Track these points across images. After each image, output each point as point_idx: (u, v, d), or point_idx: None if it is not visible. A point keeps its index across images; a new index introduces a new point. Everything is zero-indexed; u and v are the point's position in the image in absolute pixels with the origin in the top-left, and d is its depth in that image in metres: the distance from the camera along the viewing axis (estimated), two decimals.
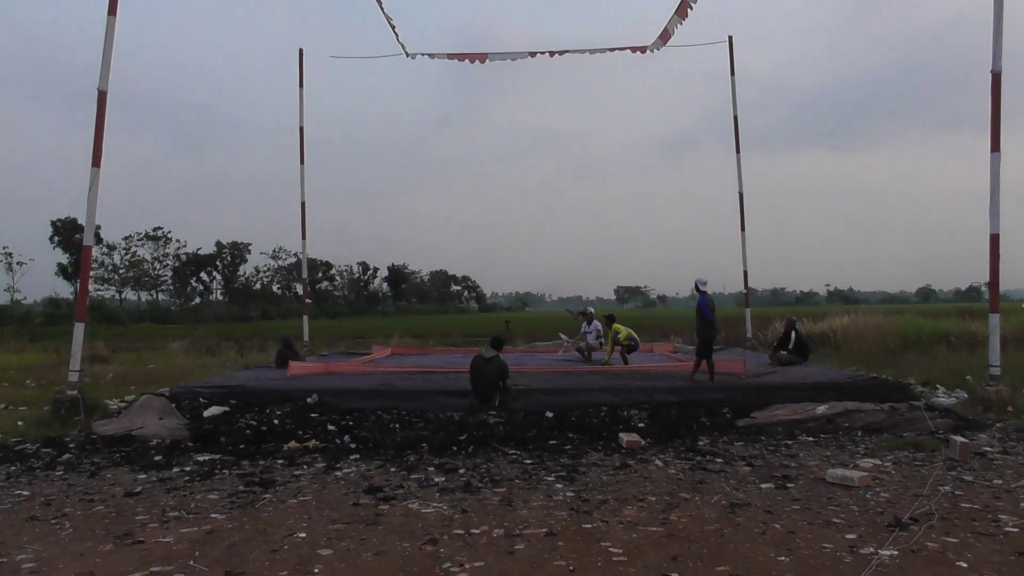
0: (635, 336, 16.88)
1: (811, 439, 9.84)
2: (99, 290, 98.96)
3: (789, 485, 7.41)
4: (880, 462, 8.38)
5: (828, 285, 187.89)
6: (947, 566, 5.07)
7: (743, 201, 21.52)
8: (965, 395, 12.78)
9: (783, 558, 5.26)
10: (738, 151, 21.57)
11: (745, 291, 22.44)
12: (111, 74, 12.04)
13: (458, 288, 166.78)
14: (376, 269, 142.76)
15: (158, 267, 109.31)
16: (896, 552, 5.35)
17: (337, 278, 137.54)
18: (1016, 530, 5.87)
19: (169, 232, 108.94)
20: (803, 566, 5.09)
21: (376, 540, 5.77)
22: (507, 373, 11.32)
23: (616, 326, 16.77)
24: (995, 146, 11.92)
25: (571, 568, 5.08)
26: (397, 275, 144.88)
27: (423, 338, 35.81)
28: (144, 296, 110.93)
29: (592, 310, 18.53)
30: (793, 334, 16.26)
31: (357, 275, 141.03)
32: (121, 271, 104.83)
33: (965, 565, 5.08)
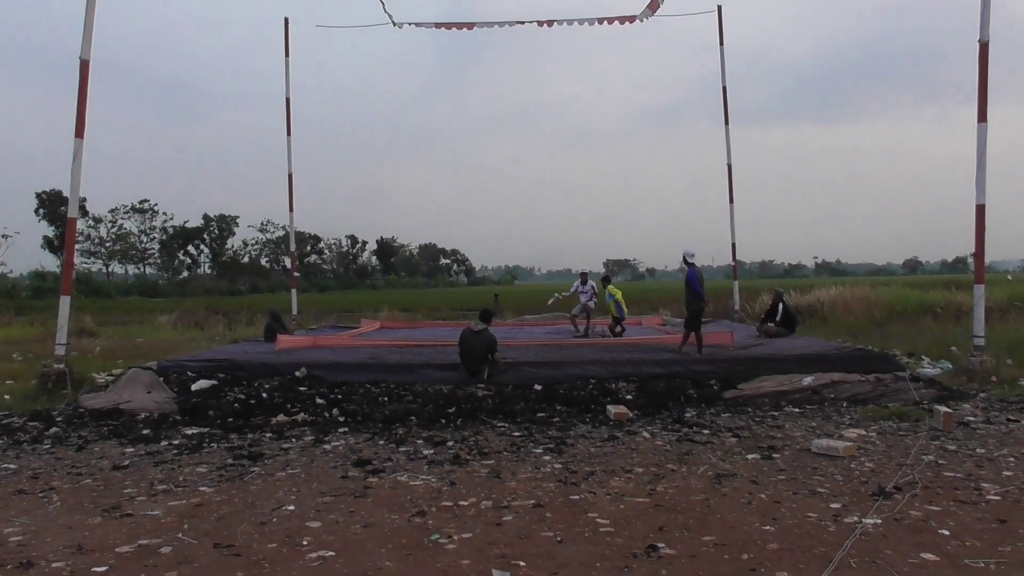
0: (623, 307, 16.98)
1: (797, 410, 9.91)
2: (86, 263, 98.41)
3: (775, 455, 7.47)
4: (865, 432, 8.46)
5: (816, 257, 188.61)
6: (930, 534, 5.13)
7: (731, 173, 21.52)
8: (950, 365, 12.91)
9: (768, 527, 5.31)
10: (727, 122, 21.55)
11: (733, 263, 22.49)
12: (93, 43, 11.88)
13: (447, 261, 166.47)
14: (365, 242, 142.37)
15: (145, 240, 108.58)
16: (879, 521, 5.41)
17: (326, 251, 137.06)
18: (998, 498, 5.95)
19: (156, 205, 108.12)
20: (788, 535, 5.14)
21: (365, 512, 5.79)
22: (496, 346, 11.33)
23: (612, 288, 16.82)
24: (982, 116, 11.93)
25: (558, 539, 5.12)
26: (386, 248, 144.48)
27: (412, 312, 35.79)
28: (131, 269, 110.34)
29: (587, 270, 18.38)
30: (780, 306, 16.34)
31: (346, 248, 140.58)
32: (108, 244, 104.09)
33: (947, 533, 5.14)
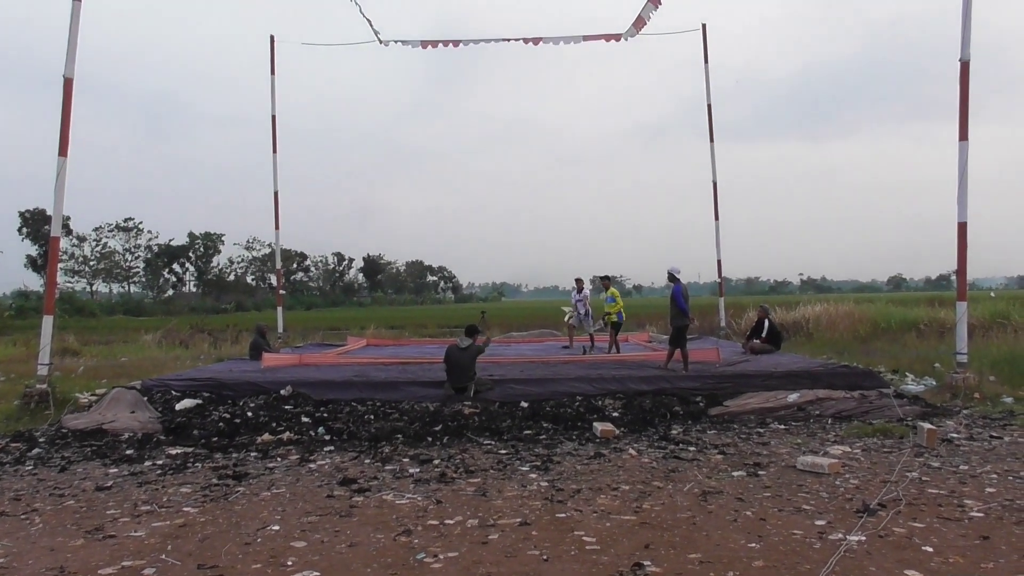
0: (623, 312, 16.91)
1: (782, 427, 9.96)
2: (69, 282, 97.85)
3: (760, 472, 7.49)
4: (849, 449, 8.51)
5: (801, 274, 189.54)
6: (913, 551, 5.16)
7: (717, 190, 21.67)
8: (933, 382, 12.99)
9: (754, 544, 5.32)
10: (712, 140, 21.71)
11: (719, 280, 22.61)
12: (77, 60, 11.88)
13: (434, 279, 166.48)
14: (351, 260, 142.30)
15: (129, 259, 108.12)
16: (864, 537, 5.44)
17: (312, 269, 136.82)
18: (981, 515, 5.98)
19: (140, 223, 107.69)
20: (773, 552, 5.16)
21: (350, 532, 5.77)
22: (482, 350, 11.55)
23: (614, 290, 16.60)
24: (963, 135, 12.07)
25: (544, 557, 5.11)
26: (372, 266, 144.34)
27: (399, 329, 35.74)
28: (116, 288, 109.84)
29: (580, 277, 18.28)
30: (766, 322, 16.42)
31: (332, 266, 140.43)
32: (92, 263, 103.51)
33: (931, 549, 5.17)
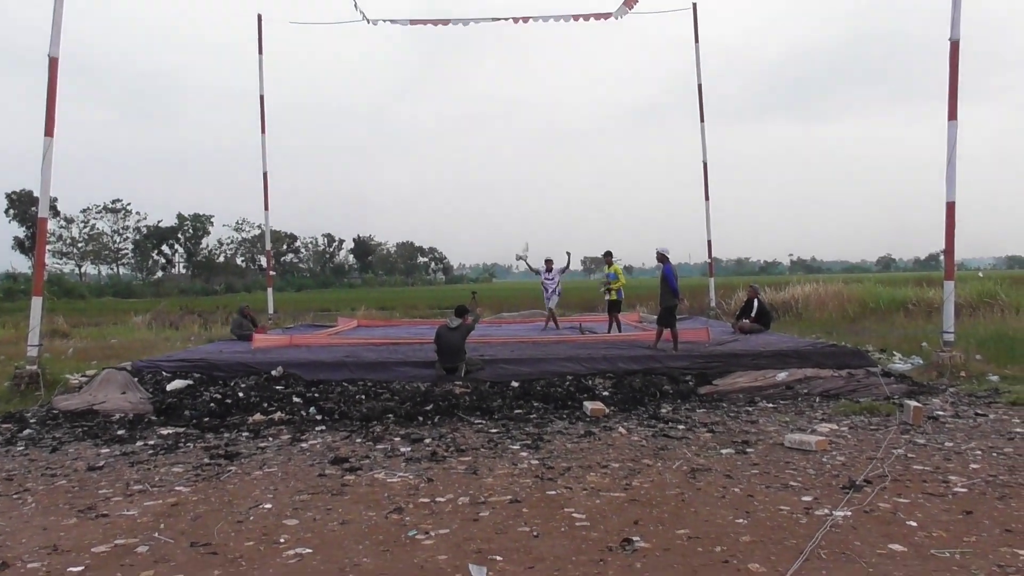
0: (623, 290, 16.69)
1: (771, 405, 10.04)
2: (57, 264, 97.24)
3: (749, 450, 7.57)
4: (837, 427, 8.60)
5: (791, 255, 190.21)
6: (898, 525, 5.24)
7: (707, 170, 21.67)
8: (921, 361, 13.10)
9: (741, 520, 5.40)
10: (702, 120, 21.70)
11: (709, 260, 22.69)
12: (62, 40, 11.78)
13: (425, 260, 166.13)
14: (342, 241, 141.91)
15: (118, 240, 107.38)
16: (850, 513, 5.52)
17: (302, 250, 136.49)
18: (964, 490, 6.08)
19: (128, 204, 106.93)
20: (760, 527, 5.23)
21: (342, 510, 5.82)
22: (473, 326, 11.70)
23: (617, 267, 16.38)
24: (952, 114, 12.10)
25: (535, 533, 5.18)
26: (363, 247, 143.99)
27: (389, 310, 35.74)
28: (104, 270, 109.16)
29: (551, 259, 17.43)
30: (756, 302, 16.49)
31: (322, 247, 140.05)
32: (80, 245, 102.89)
33: (915, 524, 5.26)
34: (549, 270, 17.27)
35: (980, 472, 6.62)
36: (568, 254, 17.50)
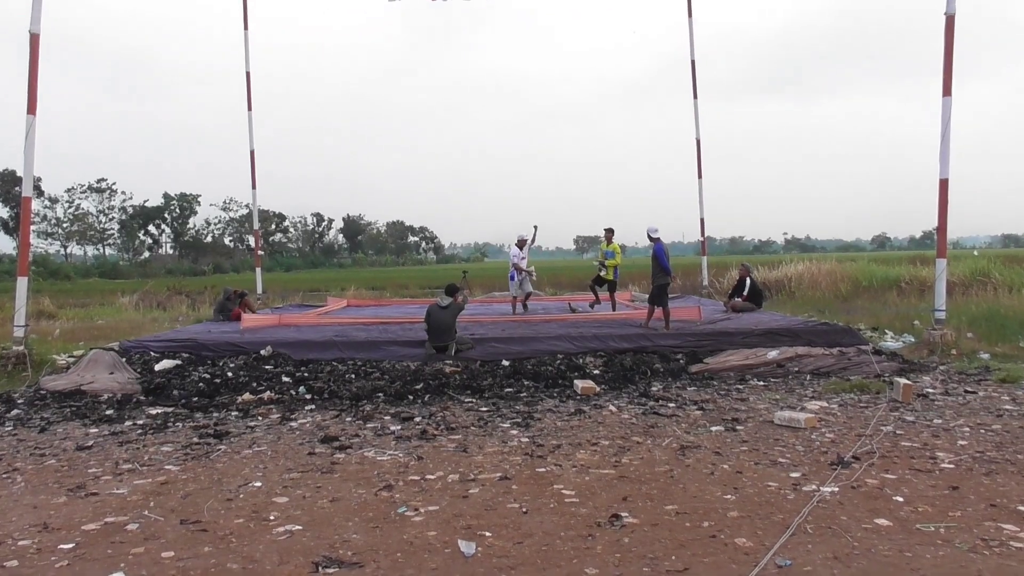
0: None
1: (762, 383, 10.15)
2: (43, 245, 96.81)
3: (738, 427, 7.67)
4: (827, 404, 8.71)
5: (786, 233, 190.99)
6: (884, 501, 5.34)
7: (700, 148, 21.66)
8: (912, 339, 13.23)
9: (729, 496, 5.49)
10: (695, 96, 21.64)
11: (702, 239, 22.76)
12: (44, 15, 11.70)
13: (415, 239, 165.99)
14: (331, 220, 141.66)
15: (104, 220, 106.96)
16: (837, 489, 5.62)
17: (291, 230, 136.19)
18: (951, 466, 6.18)
19: (114, 184, 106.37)
20: (748, 503, 5.32)
21: (332, 487, 5.89)
22: (463, 306, 11.81)
23: (616, 245, 16.03)
24: (947, 90, 12.15)
25: (524, 510, 5.26)
26: (353, 226, 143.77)
27: (380, 290, 35.76)
28: (90, 251, 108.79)
29: (524, 236, 16.12)
30: (748, 281, 16.58)
31: (311, 226, 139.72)
32: (65, 225, 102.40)
33: (901, 499, 5.36)
34: (521, 247, 16.01)
35: (968, 448, 6.72)
36: (535, 227, 16.60)
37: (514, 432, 7.63)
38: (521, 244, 16.05)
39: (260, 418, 8.55)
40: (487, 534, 4.81)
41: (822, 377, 10.46)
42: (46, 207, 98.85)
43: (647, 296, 14.07)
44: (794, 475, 6.01)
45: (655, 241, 12.90)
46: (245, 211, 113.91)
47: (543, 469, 6.29)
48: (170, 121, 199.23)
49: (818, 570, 4.19)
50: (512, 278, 16.08)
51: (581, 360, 11.06)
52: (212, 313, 17.09)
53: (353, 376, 10.39)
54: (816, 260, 28.42)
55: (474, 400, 9.29)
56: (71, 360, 11.68)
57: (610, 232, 16.16)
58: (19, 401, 9.57)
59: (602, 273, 16.15)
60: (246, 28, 21.03)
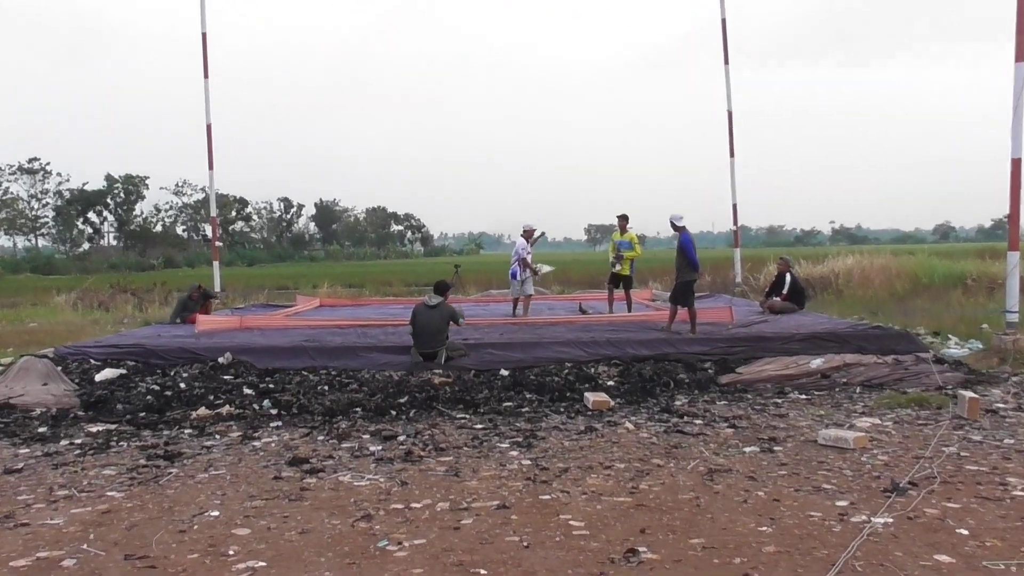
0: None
1: (803, 397, 10.16)
2: None
3: (776, 448, 7.68)
4: (879, 421, 8.71)
5: (832, 222, 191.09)
6: (946, 533, 5.35)
7: (732, 122, 21.69)
8: (979, 345, 13.21)
9: (765, 528, 5.50)
10: (727, 62, 21.70)
11: (734, 228, 22.78)
12: None
13: (399, 228, 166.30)
14: (301, 206, 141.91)
15: (36, 207, 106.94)
16: (891, 519, 5.62)
17: (254, 217, 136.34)
18: None
19: (48, 164, 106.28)
20: (787, 536, 5.33)
21: (301, 517, 5.90)
22: (457, 316, 11.54)
23: (633, 234, 16.01)
24: (1020, 55, 12.10)
25: (525, 544, 5.26)
26: (326, 213, 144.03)
27: (358, 288, 35.79)
28: (20, 242, 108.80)
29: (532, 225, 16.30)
30: (788, 277, 16.56)
31: (278, 213, 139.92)
32: None
33: (966, 532, 5.36)
34: (528, 238, 16.09)
35: None
36: (542, 232, 16.72)
37: (514, 453, 7.64)
38: (528, 235, 16.04)
39: (218, 436, 8.56)
40: (482, 572, 4.82)
41: (874, 390, 10.46)
42: None
43: (669, 295, 14.09)
44: (841, 504, 6.01)
45: (680, 231, 12.90)
46: (201, 195, 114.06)
47: (548, 496, 6.30)
48: (114, 92, 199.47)
49: None
50: (515, 276, 15.94)
51: (593, 369, 11.08)
52: (171, 317, 17.02)
53: (326, 388, 10.41)
54: (868, 253, 28.41)
55: (467, 416, 9.30)
56: None
57: (624, 219, 16.11)
58: None
59: (617, 268, 16.04)
60: None
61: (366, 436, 8.42)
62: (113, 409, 9.75)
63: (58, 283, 42.40)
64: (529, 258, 15.83)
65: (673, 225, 13.00)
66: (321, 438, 8.40)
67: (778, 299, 16.31)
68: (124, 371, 11.08)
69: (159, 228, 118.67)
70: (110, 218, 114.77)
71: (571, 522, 5.68)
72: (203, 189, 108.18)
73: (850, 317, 15.92)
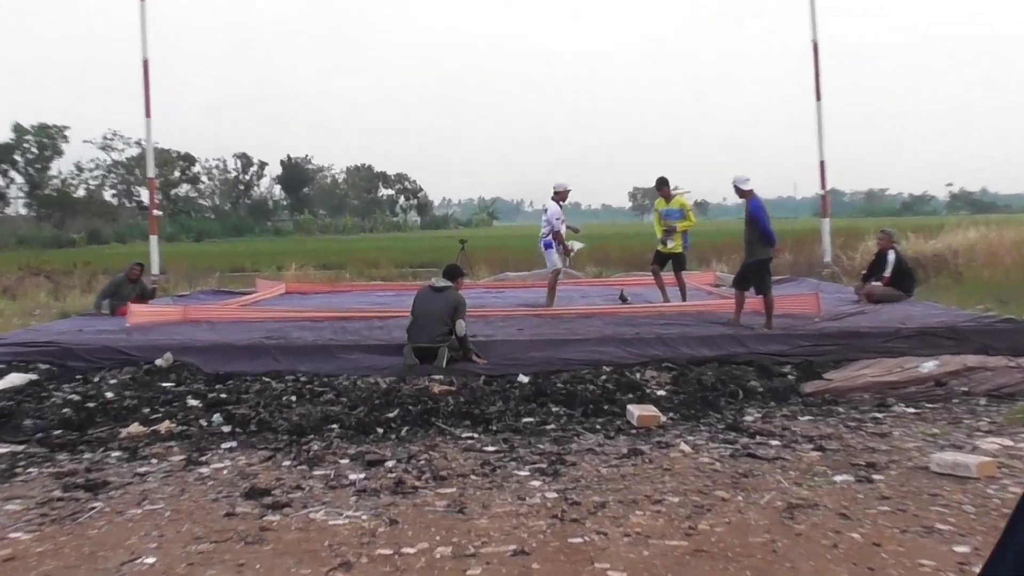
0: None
1: (912, 410, 10.09)
2: None
3: (876, 477, 7.63)
4: (1011, 442, 8.64)
5: (950, 185, 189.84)
6: None
7: (818, 57, 21.46)
8: None
9: None
10: None
11: (822, 193, 22.59)
12: None
13: (390, 192, 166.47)
14: (263, 164, 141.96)
15: None
16: None
17: (204, 179, 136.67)
18: None
19: None
20: None
21: (260, 565, 5.90)
22: (463, 309, 11.39)
23: (682, 199, 15.93)
24: None
25: None
26: (295, 173, 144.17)
27: (336, 269, 35.83)
28: None
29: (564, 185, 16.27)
30: (891, 256, 16.47)
31: (234, 173, 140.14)
32: None
33: None
34: (561, 203, 16.05)
35: None
36: (576, 230, 16.83)
37: (536, 483, 7.62)
38: (562, 197, 15.96)
39: (154, 461, 8.58)
40: None
41: (1003, 401, 10.39)
42: None
43: (734, 278, 14.02)
44: (960, 549, 5.96)
45: (747, 196, 12.78)
46: (135, 151, 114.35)
47: (579, 539, 6.27)
48: (24, 17, 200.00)
49: None
50: (548, 247, 15.90)
51: (638, 375, 11.05)
52: (95, 301, 17.06)
53: (294, 398, 10.42)
54: (996, 224, 28.24)
55: (476, 435, 9.29)
56: None
57: (664, 183, 15.96)
58: None
59: (667, 245, 15.91)
60: None
61: (344, 461, 8.42)
62: (19, 426, 9.76)
63: None
64: (563, 229, 15.81)
65: (737, 190, 12.90)
66: (287, 463, 8.40)
67: (879, 284, 16.23)
68: (34, 376, 11.12)
69: (81, 193, 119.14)
70: (18, 180, 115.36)
71: (609, 572, 5.65)
72: (138, 143, 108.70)
73: (973, 307, 15.80)
